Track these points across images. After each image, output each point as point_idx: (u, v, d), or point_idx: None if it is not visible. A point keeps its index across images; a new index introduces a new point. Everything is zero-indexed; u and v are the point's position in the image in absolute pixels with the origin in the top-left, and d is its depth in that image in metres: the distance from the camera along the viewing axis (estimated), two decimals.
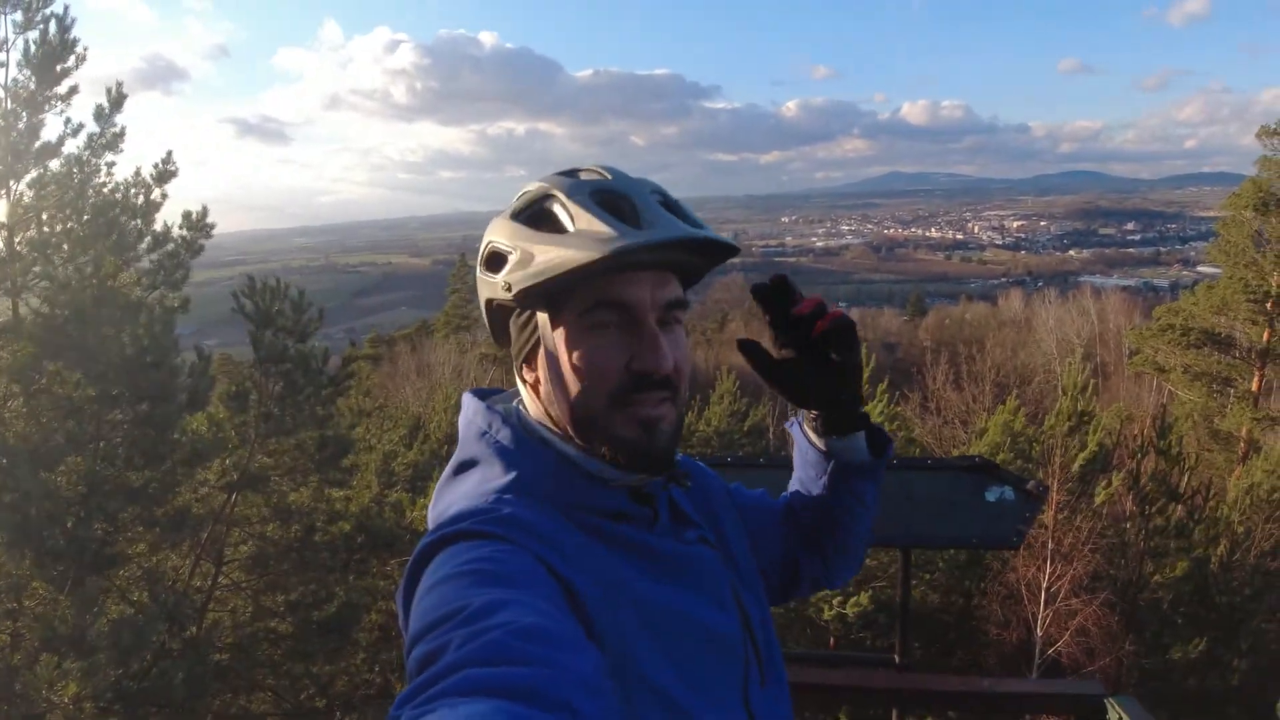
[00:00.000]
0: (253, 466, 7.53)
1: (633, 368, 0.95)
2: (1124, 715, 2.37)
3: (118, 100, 7.09)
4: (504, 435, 1.01)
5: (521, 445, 1.00)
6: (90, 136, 7.00)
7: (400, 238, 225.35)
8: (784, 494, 1.35)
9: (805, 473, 1.29)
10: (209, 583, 7.61)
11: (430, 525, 0.98)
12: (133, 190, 7.17)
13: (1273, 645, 11.74)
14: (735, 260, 1.07)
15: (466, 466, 1.02)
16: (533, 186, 1.01)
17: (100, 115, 7.01)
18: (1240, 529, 12.22)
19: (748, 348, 1.16)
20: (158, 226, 7.23)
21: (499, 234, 1.00)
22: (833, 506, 1.26)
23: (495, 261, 1.00)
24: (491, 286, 1.00)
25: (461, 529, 0.88)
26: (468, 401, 1.07)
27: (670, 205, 0.99)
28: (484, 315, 1.07)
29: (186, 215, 7.32)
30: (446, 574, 0.81)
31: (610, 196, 0.96)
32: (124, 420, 6.68)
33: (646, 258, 0.93)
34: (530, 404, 1.05)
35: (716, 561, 1.08)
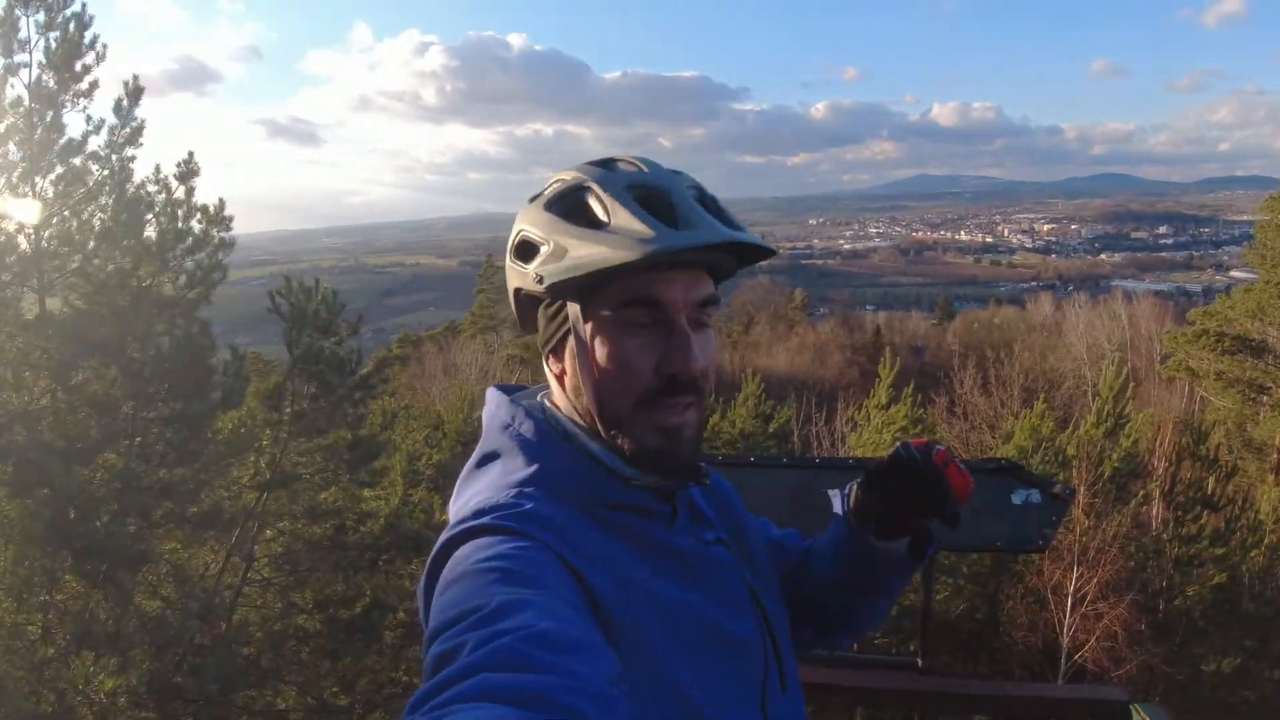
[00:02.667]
0: (285, 465, 7.61)
1: (662, 369, 0.94)
2: None
3: (135, 93, 7.18)
4: (527, 428, 1.00)
5: (544, 438, 0.99)
6: (111, 130, 7.11)
7: (428, 239, 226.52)
8: (803, 542, 1.32)
9: (833, 548, 1.24)
10: (239, 579, 7.70)
11: (451, 518, 0.98)
12: (160, 189, 7.27)
13: None
14: (763, 263, 1.06)
15: (489, 459, 1.02)
16: (568, 175, 1.00)
17: (119, 109, 7.11)
18: (1275, 538, 12.03)
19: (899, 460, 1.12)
20: (193, 226, 7.35)
21: (531, 223, 0.99)
22: (852, 591, 1.23)
23: (526, 251, 0.99)
24: (522, 276, 1.00)
25: (483, 523, 0.88)
26: (492, 395, 1.07)
27: (707, 202, 0.97)
28: (512, 302, 1.06)
29: (204, 209, 7.35)
30: (466, 570, 0.82)
31: (647, 191, 0.95)
32: (158, 418, 6.77)
33: (683, 257, 0.92)
34: (557, 395, 1.04)
35: (734, 564, 1.08)
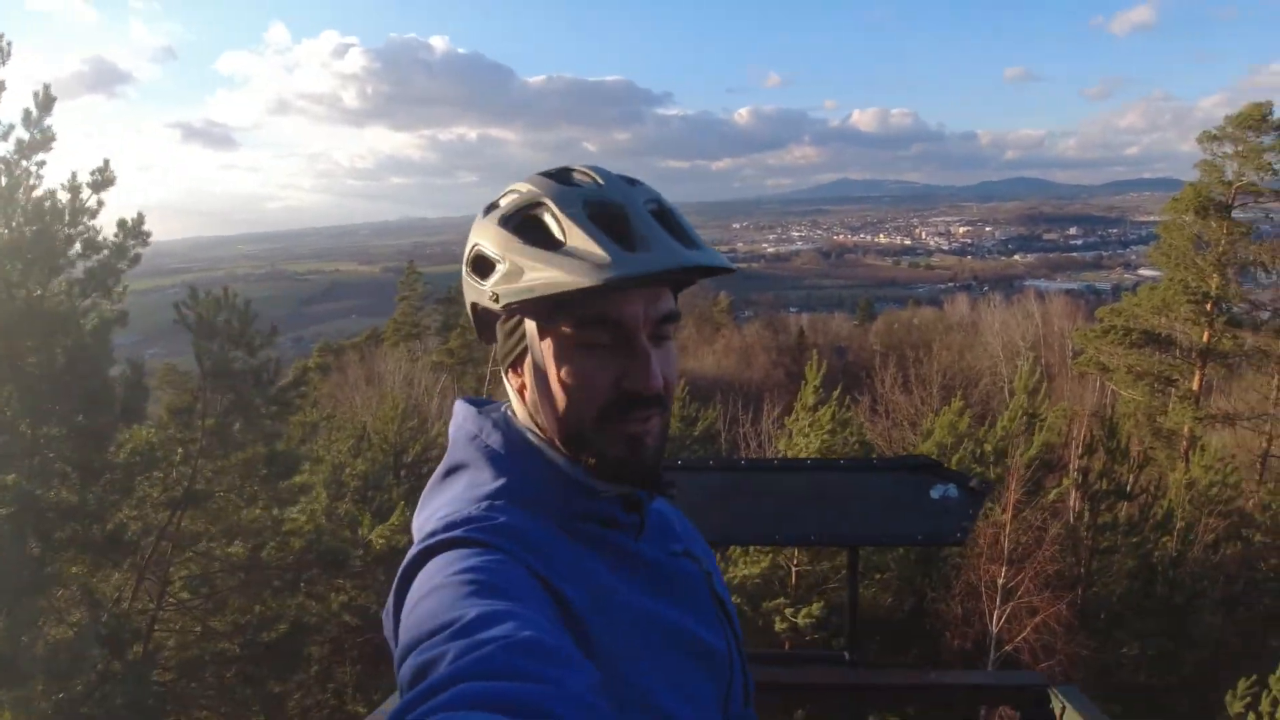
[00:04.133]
0: (198, 483, 7.34)
1: (623, 386, 0.93)
2: (1066, 704, 2.42)
3: (46, 103, 6.91)
4: (495, 440, 0.99)
5: (512, 450, 0.99)
6: (19, 142, 6.80)
7: (349, 245, 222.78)
8: None
9: None
10: (155, 603, 7.40)
11: (416, 531, 0.96)
12: (67, 196, 6.97)
13: (1222, 638, 12.08)
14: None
15: (456, 471, 1.00)
16: (523, 188, 0.98)
17: (29, 120, 6.81)
18: (1182, 524, 12.58)
19: None
20: (95, 234, 7.04)
21: (486, 239, 0.96)
22: None
23: (482, 267, 0.97)
24: (478, 292, 0.97)
25: (454, 536, 0.87)
26: (459, 408, 1.06)
27: (665, 216, 0.95)
28: (469, 315, 1.04)
29: (122, 223, 7.10)
30: (439, 583, 0.80)
31: (603, 209, 0.92)
32: (57, 436, 6.47)
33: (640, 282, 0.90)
34: (517, 408, 1.03)
35: (700, 576, 1.08)
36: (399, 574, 0.88)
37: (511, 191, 0.99)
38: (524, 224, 0.94)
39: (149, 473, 6.99)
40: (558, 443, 0.98)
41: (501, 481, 0.95)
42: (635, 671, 0.89)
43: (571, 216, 0.91)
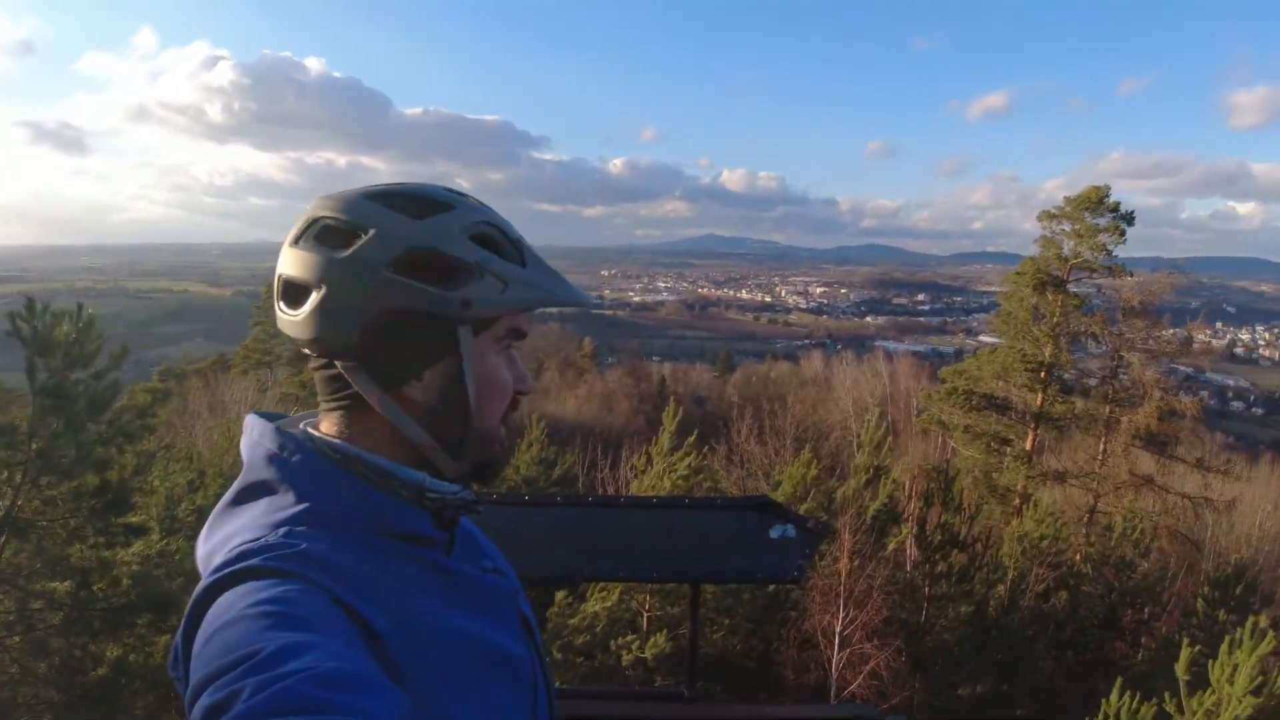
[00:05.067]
0: (21, 512, 6.72)
1: (517, 388, 1.04)
2: None
3: None
4: (297, 459, 0.94)
5: (317, 469, 0.94)
6: None
7: (200, 264, 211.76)
8: None
9: None
10: None
11: (202, 560, 0.92)
12: None
13: (1053, 680, 12.87)
14: (552, 310, 1.20)
15: (251, 493, 0.94)
16: (466, 199, 1.02)
17: None
18: (1014, 574, 13.37)
19: None
20: None
21: (448, 245, 0.95)
22: None
23: (450, 270, 0.95)
24: (429, 298, 0.94)
25: (249, 566, 0.82)
26: (253, 423, 0.99)
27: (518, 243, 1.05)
28: (371, 318, 0.93)
29: None
30: (234, 616, 0.76)
31: (522, 242, 1.03)
32: None
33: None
34: (374, 426, 0.98)
35: (509, 592, 1.08)
36: (188, 609, 0.83)
37: (446, 202, 1.00)
38: (489, 240, 1.00)
39: None
40: (445, 448, 0.99)
41: (305, 505, 0.90)
42: (445, 695, 0.88)
43: (517, 241, 1.03)
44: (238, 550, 0.86)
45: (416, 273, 0.93)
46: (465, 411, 0.98)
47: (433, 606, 0.92)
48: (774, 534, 3.11)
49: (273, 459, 0.94)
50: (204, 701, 0.67)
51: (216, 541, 0.92)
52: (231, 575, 0.82)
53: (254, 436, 0.98)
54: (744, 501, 3.44)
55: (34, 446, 6.63)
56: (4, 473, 6.65)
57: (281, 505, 0.91)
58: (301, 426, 1.02)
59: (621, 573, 3.49)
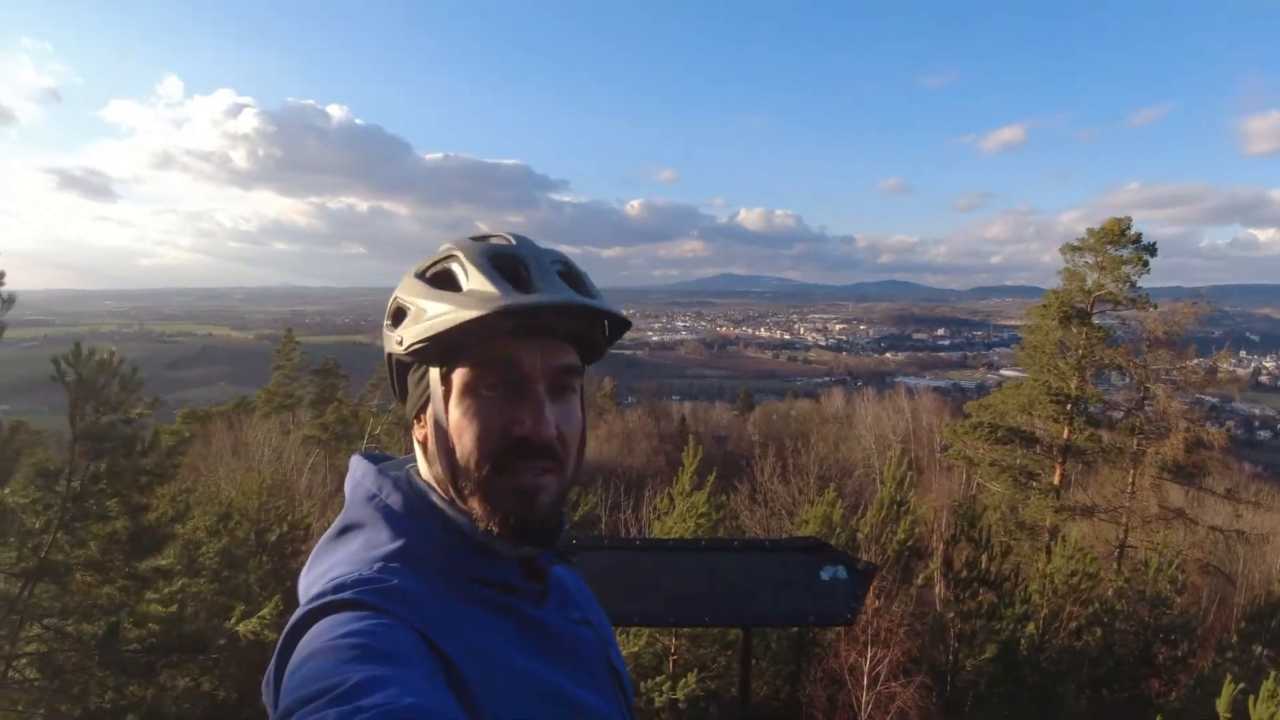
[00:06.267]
0: (56, 553, 6.76)
1: (513, 432, 0.94)
2: None
3: None
4: (394, 500, 0.98)
5: (411, 511, 0.98)
6: None
7: (224, 308, 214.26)
8: None
9: None
10: None
11: (303, 590, 0.95)
12: None
13: (1086, 718, 12.56)
14: None
15: (350, 529, 0.99)
16: (443, 247, 1.03)
17: None
18: (1045, 611, 13.12)
19: None
20: None
21: (404, 290, 1.01)
22: None
23: (397, 316, 1.01)
24: (390, 340, 1.01)
25: (342, 598, 0.85)
26: (357, 464, 1.05)
27: (571, 276, 1.00)
28: (388, 370, 1.06)
29: None
30: (321, 646, 0.79)
31: (507, 260, 0.97)
32: None
33: (536, 322, 0.95)
34: (421, 464, 1.03)
35: (598, 646, 1.08)
36: (282, 636, 0.85)
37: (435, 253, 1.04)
38: (436, 276, 1.00)
39: (6, 540, 6.41)
40: (451, 493, 0.98)
41: (399, 544, 0.94)
42: None
43: (476, 265, 0.96)
44: (333, 583, 0.89)
45: (391, 319, 1.02)
46: (449, 454, 0.97)
47: (510, 653, 0.92)
48: (824, 575, 3.08)
49: (371, 499, 0.99)
50: None
51: (316, 574, 0.96)
52: (324, 606, 0.85)
53: (356, 477, 1.04)
54: (793, 543, 3.40)
55: (72, 488, 6.68)
56: (41, 515, 6.69)
57: (376, 542, 0.95)
58: (406, 470, 1.05)
59: (673, 617, 3.42)
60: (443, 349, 0.96)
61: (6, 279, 6.76)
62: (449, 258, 1.00)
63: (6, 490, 6.50)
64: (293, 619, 0.86)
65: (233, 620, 8.19)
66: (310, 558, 1.01)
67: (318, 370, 32.65)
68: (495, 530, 0.96)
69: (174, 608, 7.84)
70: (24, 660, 7.11)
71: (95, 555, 7.22)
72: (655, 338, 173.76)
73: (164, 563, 7.99)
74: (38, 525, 6.63)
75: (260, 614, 8.23)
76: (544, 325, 0.96)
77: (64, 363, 6.48)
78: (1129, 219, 19.73)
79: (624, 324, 1.03)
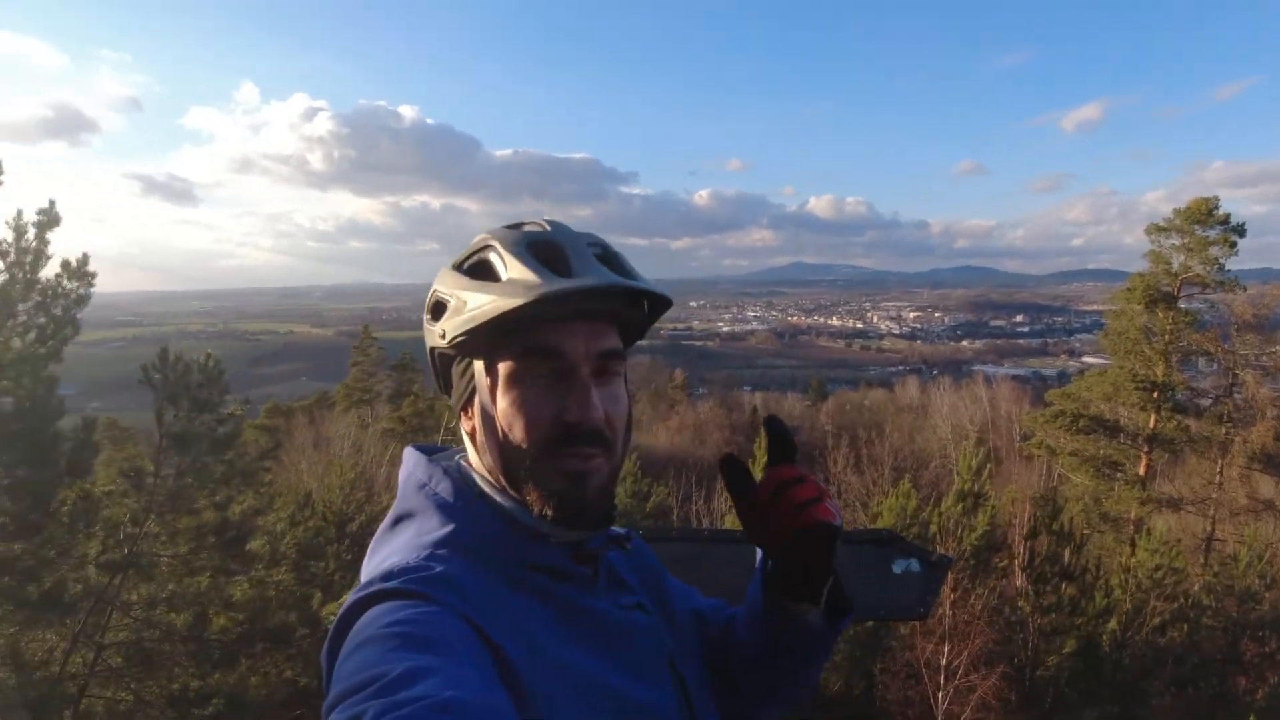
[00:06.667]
0: (143, 546, 7.06)
1: (563, 419, 0.95)
2: None
3: None
4: (444, 488, 1.00)
5: (461, 499, 0.99)
6: None
7: (303, 306, 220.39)
8: (727, 610, 1.27)
9: (749, 612, 1.18)
10: (87, 668, 7.03)
11: (363, 578, 0.95)
12: (15, 236, 6.71)
13: (1170, 716, 12.14)
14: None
15: (403, 519, 1.00)
16: (477, 238, 1.04)
17: None
18: (1129, 606, 12.71)
19: (729, 469, 1.10)
20: (47, 277, 6.81)
21: (442, 283, 1.02)
22: (769, 658, 1.17)
23: (437, 310, 1.02)
24: (432, 334, 1.02)
25: (391, 587, 0.86)
26: (409, 455, 1.06)
27: (608, 258, 1.01)
28: (429, 364, 1.08)
29: (65, 264, 6.84)
30: (370, 635, 0.80)
31: (544, 247, 0.98)
32: None
33: (577, 307, 0.95)
34: (470, 454, 1.04)
35: (652, 630, 1.07)
36: (335, 622, 0.87)
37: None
38: (474, 266, 1.01)
39: (91, 531, 6.72)
40: (502, 482, 0.99)
41: (447, 530, 0.95)
42: None
43: (514, 254, 0.97)
44: (382, 571, 0.90)
45: (430, 313, 1.04)
46: (500, 444, 0.98)
47: (554, 640, 0.92)
48: (897, 569, 3.01)
49: (422, 488, 1.01)
50: (335, 718, 0.71)
51: (373, 563, 0.98)
52: (374, 594, 0.86)
53: (408, 467, 1.06)
54: (865, 535, 3.33)
55: (162, 484, 6.94)
56: (130, 511, 6.97)
57: (427, 530, 0.97)
58: (457, 459, 1.07)
59: None
60: (486, 339, 0.97)
61: (97, 281, 7.07)
62: (485, 248, 1.01)
63: (90, 482, 6.77)
64: (344, 606, 0.88)
65: (315, 604, 8.41)
66: (370, 547, 1.02)
67: (394, 365, 33.36)
68: (549, 515, 0.96)
69: (255, 599, 8.08)
70: (113, 650, 7.41)
71: (183, 549, 7.48)
72: (726, 328, 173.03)
73: (254, 545, 8.23)
74: (125, 518, 6.90)
75: (341, 600, 8.43)
76: (585, 309, 0.97)
77: (151, 369, 6.72)
78: (1216, 198, 18.95)
79: (665, 303, 1.05)
